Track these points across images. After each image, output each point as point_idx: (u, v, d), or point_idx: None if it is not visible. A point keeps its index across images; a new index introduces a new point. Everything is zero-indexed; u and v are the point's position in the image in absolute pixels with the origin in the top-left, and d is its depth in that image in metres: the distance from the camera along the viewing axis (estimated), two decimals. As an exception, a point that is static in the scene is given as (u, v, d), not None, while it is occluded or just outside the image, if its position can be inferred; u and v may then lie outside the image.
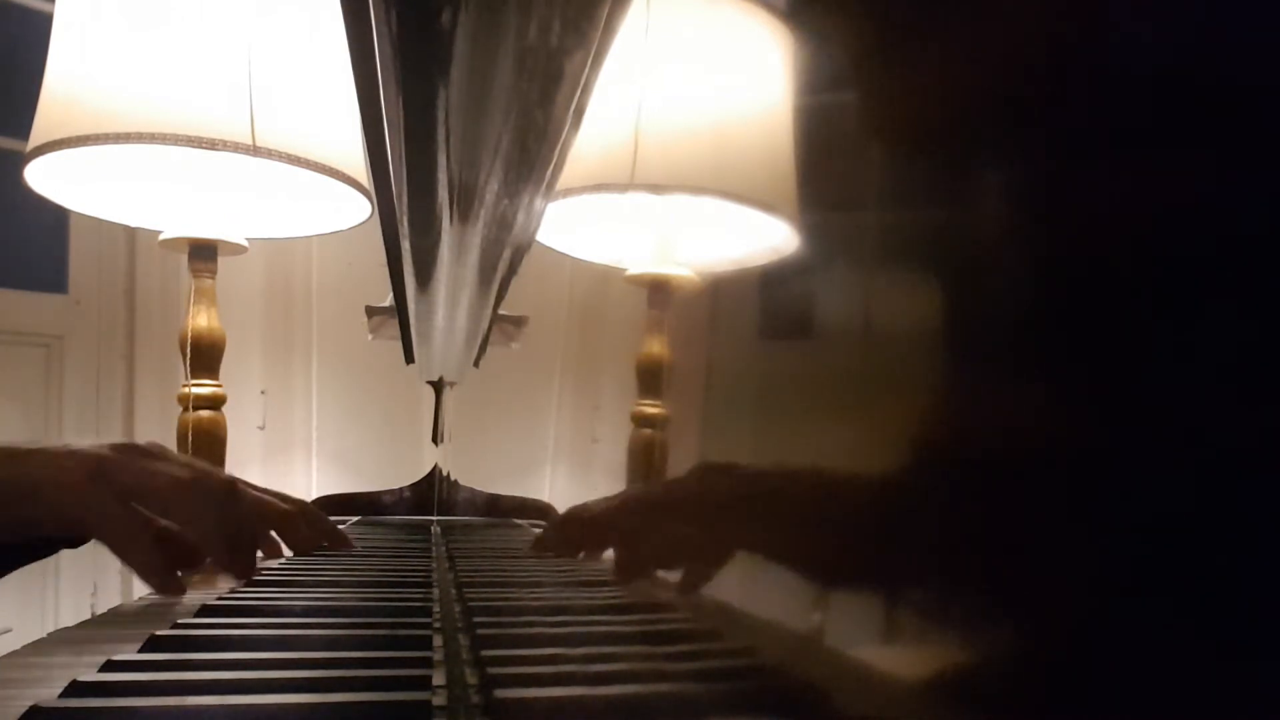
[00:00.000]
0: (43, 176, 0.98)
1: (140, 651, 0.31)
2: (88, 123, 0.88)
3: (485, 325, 0.75)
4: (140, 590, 0.48)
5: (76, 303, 1.45)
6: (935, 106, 0.15)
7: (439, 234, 0.45)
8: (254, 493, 0.61)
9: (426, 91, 0.30)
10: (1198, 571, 0.09)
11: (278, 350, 1.55)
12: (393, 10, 0.26)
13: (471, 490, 1.09)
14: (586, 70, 0.32)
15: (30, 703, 0.24)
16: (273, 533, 0.63)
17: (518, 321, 1.11)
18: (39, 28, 1.02)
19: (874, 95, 0.18)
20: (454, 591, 0.45)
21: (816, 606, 0.20)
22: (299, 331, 1.57)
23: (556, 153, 0.38)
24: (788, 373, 0.24)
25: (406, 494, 1.08)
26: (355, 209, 1.08)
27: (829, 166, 0.22)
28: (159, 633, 0.32)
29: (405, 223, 0.45)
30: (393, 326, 0.93)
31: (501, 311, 0.71)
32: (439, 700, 0.26)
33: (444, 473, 1.07)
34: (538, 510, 1.09)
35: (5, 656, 0.32)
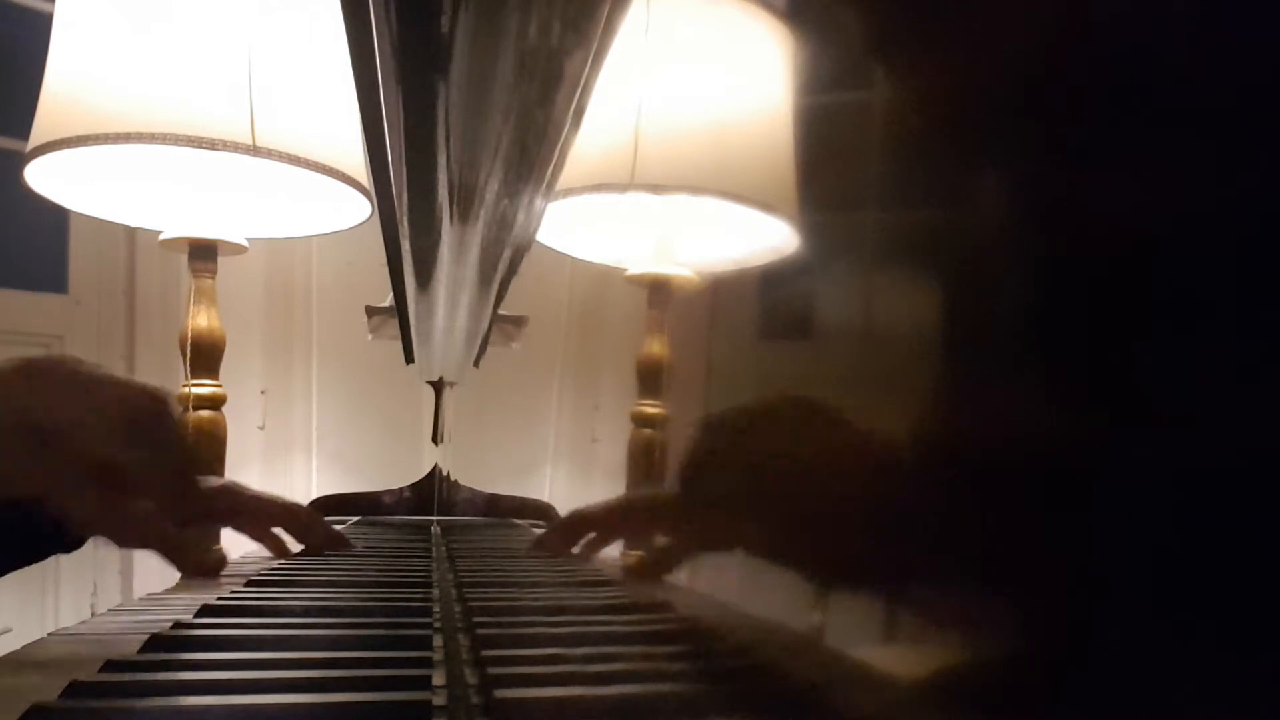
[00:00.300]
0: (43, 176, 0.98)
1: (140, 652, 0.31)
2: (88, 123, 0.88)
3: (485, 325, 0.75)
4: (142, 590, 0.47)
5: (76, 303, 1.45)
6: (934, 107, 0.15)
7: (439, 234, 0.45)
8: (246, 492, 0.59)
9: (426, 91, 0.30)
10: (1198, 571, 0.09)
11: (278, 350, 1.55)
12: (393, 10, 0.26)
13: (471, 490, 1.09)
14: (586, 70, 0.32)
15: (30, 703, 0.24)
16: (277, 530, 0.62)
17: (518, 321, 1.11)
18: (39, 28, 1.02)
19: (873, 96, 0.18)
20: (454, 591, 0.45)
21: (813, 603, 0.20)
22: (299, 331, 1.57)
23: (556, 153, 0.38)
24: (787, 372, 0.24)
25: (406, 494, 1.08)
26: (355, 209, 1.08)
27: (828, 167, 0.22)
28: (159, 633, 0.32)
29: (405, 223, 0.45)
30: (393, 326, 0.93)
31: (501, 311, 0.71)
32: (439, 700, 0.26)
33: (444, 473, 1.07)
34: (538, 510, 1.09)
35: (5, 656, 0.32)
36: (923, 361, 0.15)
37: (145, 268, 1.46)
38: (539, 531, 0.69)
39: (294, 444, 1.57)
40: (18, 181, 0.97)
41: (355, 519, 1.00)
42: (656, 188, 0.93)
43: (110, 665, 0.28)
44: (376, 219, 0.51)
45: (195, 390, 1.04)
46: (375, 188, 0.45)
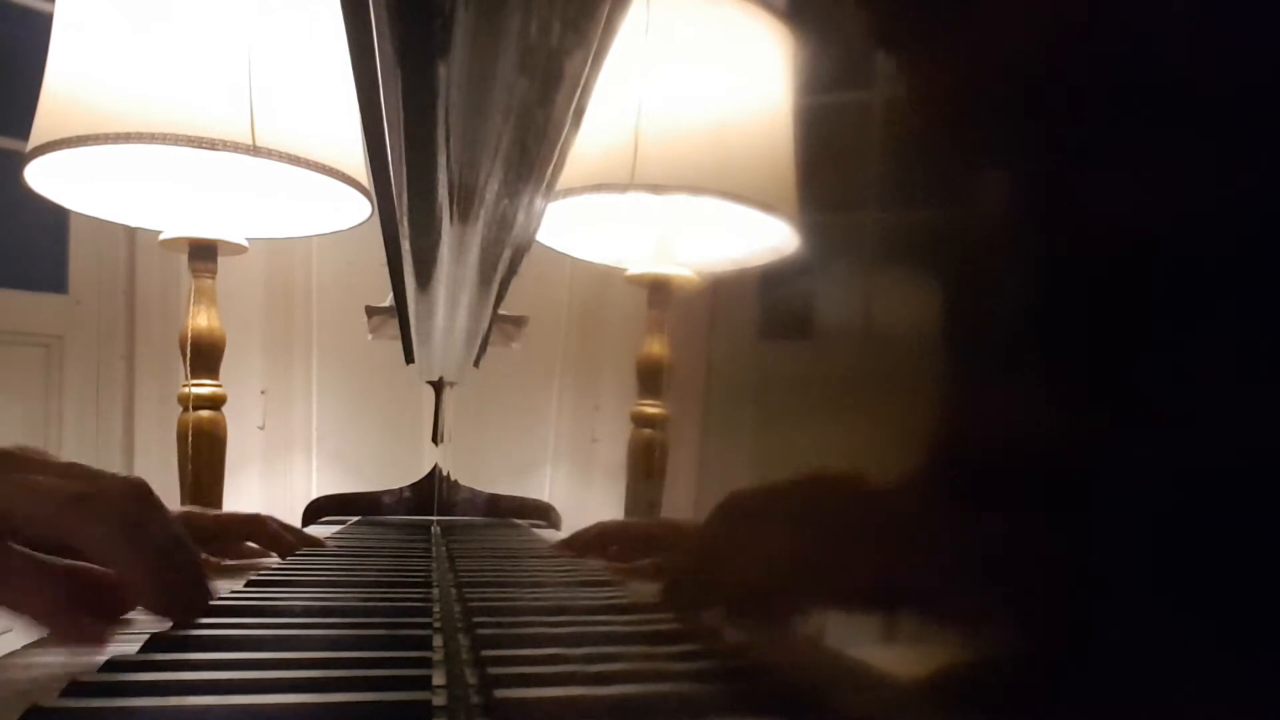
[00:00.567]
0: (43, 176, 0.98)
1: (140, 652, 0.31)
2: (88, 123, 0.88)
3: (485, 325, 0.75)
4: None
5: (76, 303, 1.45)
6: (934, 107, 0.15)
7: (439, 234, 0.45)
8: (194, 511, 0.55)
9: (426, 91, 0.30)
10: (1198, 571, 0.09)
11: (278, 350, 1.55)
12: (393, 10, 0.26)
13: (471, 490, 1.09)
14: (586, 70, 0.32)
15: (30, 703, 0.24)
16: (249, 542, 0.61)
17: (518, 321, 1.11)
18: (39, 28, 1.02)
19: (873, 96, 0.18)
20: (454, 591, 0.45)
21: (826, 608, 0.20)
22: (299, 331, 1.57)
23: (556, 153, 0.38)
24: (787, 373, 0.24)
25: (406, 494, 1.08)
26: (355, 209, 1.08)
27: (828, 166, 0.22)
28: (159, 633, 0.32)
29: (405, 223, 0.45)
30: (393, 326, 0.93)
31: (501, 311, 0.71)
32: (439, 700, 0.26)
33: (444, 473, 1.07)
34: (538, 510, 1.09)
35: (5, 656, 0.32)
36: (923, 362, 0.15)
37: (145, 268, 1.46)
38: (559, 536, 0.65)
39: (294, 444, 1.57)
40: (18, 181, 0.98)
41: (355, 519, 1.00)
42: (656, 188, 0.93)
43: (110, 665, 0.28)
44: (376, 219, 0.51)
45: (195, 390, 1.04)
46: (375, 188, 0.45)
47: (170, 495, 0.84)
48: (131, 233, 1.41)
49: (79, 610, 0.35)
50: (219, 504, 1.06)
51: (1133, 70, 0.10)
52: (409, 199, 0.41)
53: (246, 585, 0.46)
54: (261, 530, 0.61)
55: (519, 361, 1.16)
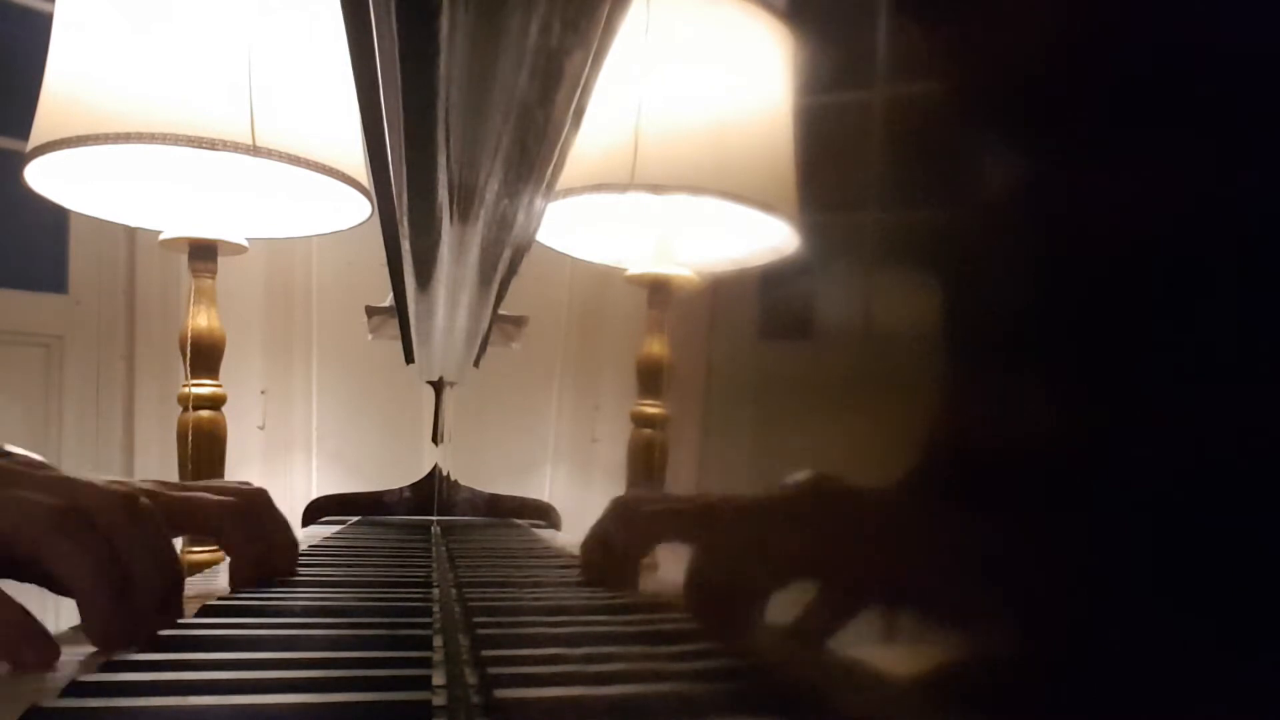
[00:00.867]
0: (43, 176, 0.98)
1: (140, 651, 0.31)
2: (88, 123, 0.88)
3: (485, 325, 0.75)
4: None
5: (76, 303, 1.45)
6: (935, 106, 0.15)
7: (439, 234, 0.45)
8: (175, 495, 0.45)
9: (426, 91, 0.30)
10: (1198, 571, 0.09)
11: (278, 350, 1.55)
12: (393, 10, 0.26)
13: (471, 490, 1.09)
14: (586, 70, 0.32)
15: (30, 703, 0.24)
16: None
17: (518, 321, 1.11)
18: (39, 28, 1.02)
19: (874, 95, 0.18)
20: (454, 591, 0.45)
21: (833, 608, 0.20)
22: (299, 331, 1.57)
23: (556, 153, 0.38)
24: (788, 373, 0.24)
25: (407, 494, 1.08)
26: (355, 209, 1.08)
27: (829, 166, 0.22)
28: (159, 632, 0.32)
29: (405, 223, 0.45)
30: (393, 326, 0.93)
31: (501, 311, 0.71)
32: (439, 700, 0.26)
33: (444, 473, 1.07)
34: (538, 510, 1.09)
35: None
36: (923, 362, 0.15)
37: (145, 268, 1.46)
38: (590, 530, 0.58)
39: (294, 444, 1.57)
40: (18, 181, 0.98)
41: (355, 519, 1.00)
42: (656, 188, 0.93)
43: (110, 665, 0.28)
44: (376, 219, 0.51)
45: (195, 390, 1.04)
46: (375, 188, 0.45)
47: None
48: (131, 233, 1.41)
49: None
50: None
51: (1133, 70, 0.10)
52: (409, 199, 0.41)
53: (246, 585, 0.46)
54: (227, 527, 0.48)
55: (519, 361, 1.16)
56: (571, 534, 0.92)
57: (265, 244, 1.30)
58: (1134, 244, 0.10)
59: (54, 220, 1.36)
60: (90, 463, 1.42)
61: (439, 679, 0.28)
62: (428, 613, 0.39)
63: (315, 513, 1.04)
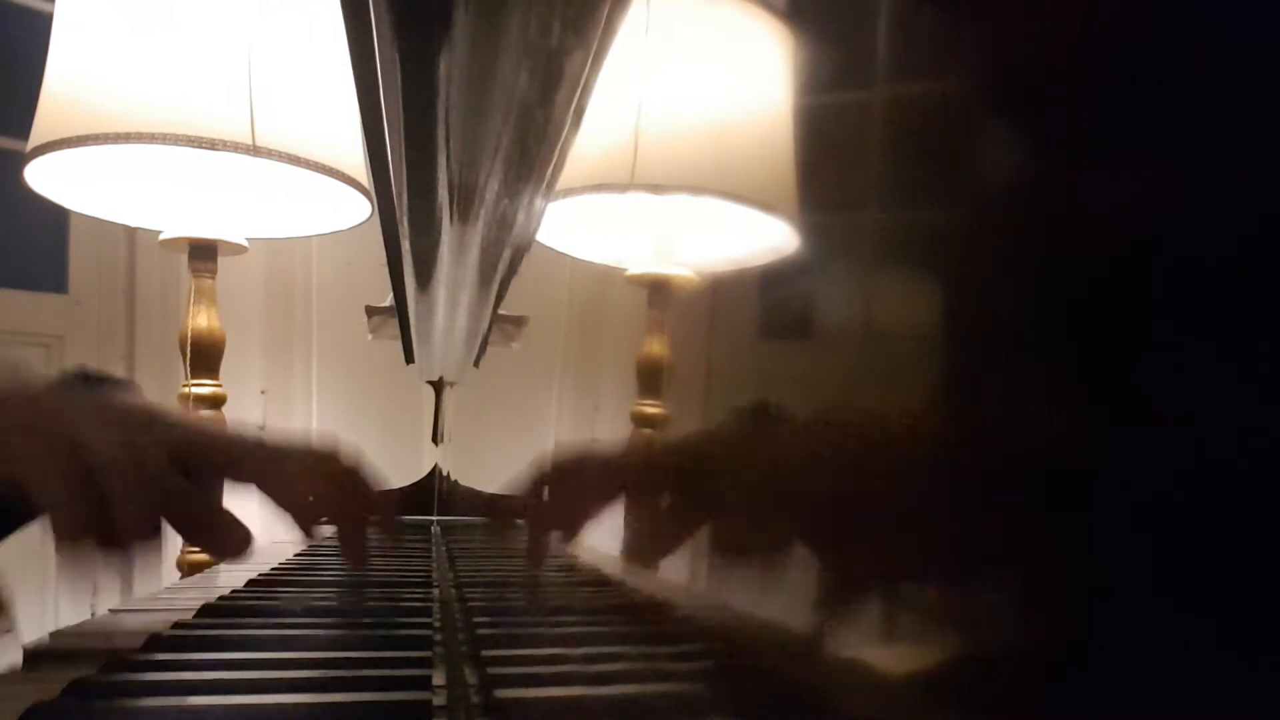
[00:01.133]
0: (43, 176, 0.98)
1: (140, 651, 0.31)
2: (88, 123, 0.88)
3: (485, 325, 0.75)
4: (141, 590, 0.38)
5: (76, 303, 1.45)
6: (934, 107, 0.15)
7: (439, 234, 0.45)
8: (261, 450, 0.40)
9: (426, 91, 0.30)
10: (1198, 571, 0.09)
11: (278, 350, 1.55)
12: (393, 10, 0.26)
13: (472, 490, 1.09)
14: (586, 70, 0.32)
15: (30, 702, 0.24)
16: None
17: (518, 321, 1.11)
18: (39, 28, 1.02)
19: (873, 95, 0.18)
20: (454, 591, 0.45)
21: (822, 603, 0.20)
22: (299, 331, 1.57)
23: (556, 153, 0.38)
24: (787, 372, 0.24)
25: (407, 494, 1.08)
26: (355, 209, 1.08)
27: (828, 166, 0.22)
28: (159, 633, 0.32)
29: (405, 223, 0.45)
30: (393, 326, 0.93)
31: (501, 311, 0.71)
32: (439, 700, 0.26)
33: (444, 473, 1.07)
34: (538, 510, 1.08)
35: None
36: (922, 361, 0.15)
37: (145, 268, 1.46)
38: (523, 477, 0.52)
39: (294, 444, 1.56)
40: (18, 181, 0.97)
41: (355, 519, 1.00)
42: (656, 188, 0.93)
43: (110, 665, 0.28)
44: (376, 219, 0.51)
45: (195, 390, 1.04)
46: (375, 188, 0.45)
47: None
48: (131, 233, 1.40)
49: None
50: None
51: (1132, 70, 0.10)
52: (409, 199, 0.41)
53: (246, 585, 0.46)
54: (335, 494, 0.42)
55: (519, 361, 1.16)
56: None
57: (265, 244, 1.30)
58: (1133, 244, 0.10)
59: (54, 220, 1.36)
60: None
61: (439, 678, 0.28)
62: (428, 613, 0.39)
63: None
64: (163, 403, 0.39)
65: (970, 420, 0.13)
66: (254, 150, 0.90)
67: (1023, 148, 0.12)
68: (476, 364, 0.94)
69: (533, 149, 0.37)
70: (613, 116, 0.90)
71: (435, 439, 1.06)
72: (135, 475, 0.34)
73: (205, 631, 0.34)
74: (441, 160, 0.36)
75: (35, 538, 0.35)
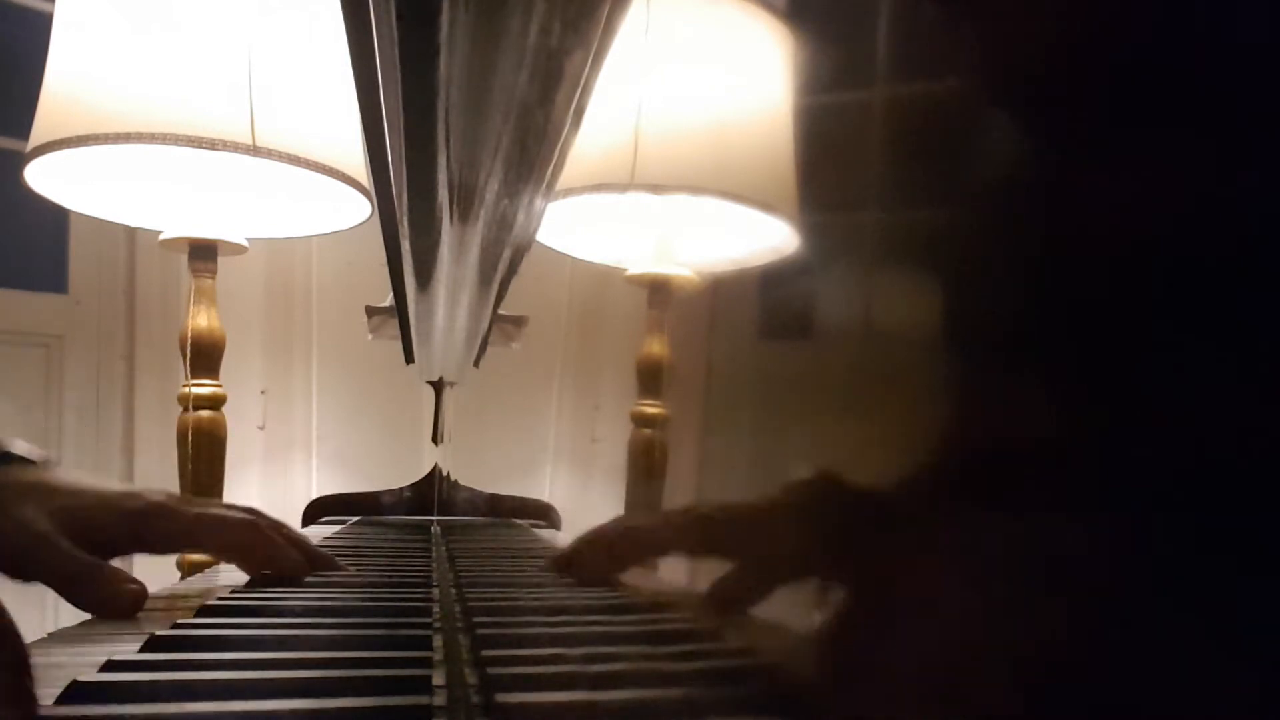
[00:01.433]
0: (43, 176, 0.98)
1: (140, 651, 0.31)
2: (88, 123, 0.88)
3: (485, 325, 0.75)
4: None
5: (76, 303, 1.45)
6: (934, 107, 0.15)
7: (439, 234, 0.45)
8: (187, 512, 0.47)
9: (426, 91, 0.30)
10: (1198, 571, 0.09)
11: (278, 350, 1.55)
12: (393, 10, 0.26)
13: (471, 490, 1.09)
14: (586, 70, 0.32)
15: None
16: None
17: (518, 321, 1.11)
18: (39, 28, 1.02)
19: (873, 95, 0.18)
20: (454, 591, 0.45)
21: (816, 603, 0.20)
22: (299, 331, 1.57)
23: (556, 153, 0.38)
24: (788, 373, 0.24)
25: (406, 494, 1.08)
26: (355, 209, 1.08)
27: (828, 166, 0.22)
28: (159, 633, 0.32)
29: (405, 223, 0.45)
30: (393, 326, 0.93)
31: (501, 311, 0.71)
32: (439, 701, 0.26)
33: (444, 473, 1.07)
34: (538, 510, 1.09)
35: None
36: (924, 362, 0.15)
37: (145, 268, 1.46)
38: (558, 551, 0.57)
39: (294, 444, 1.57)
40: (18, 181, 0.97)
41: (355, 519, 1.00)
42: (656, 188, 0.93)
43: (110, 665, 0.28)
44: (376, 219, 0.51)
45: (195, 390, 1.04)
46: (375, 188, 0.45)
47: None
48: (131, 233, 1.40)
49: None
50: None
51: (1131, 70, 0.10)
52: (409, 199, 0.41)
53: (247, 585, 0.46)
54: (251, 550, 0.49)
55: (519, 361, 1.16)
56: (572, 534, 0.92)
57: (265, 244, 1.30)
58: (1133, 243, 0.10)
59: (54, 220, 1.36)
60: (90, 463, 1.42)
61: (439, 679, 0.28)
62: (428, 613, 0.39)
63: (315, 513, 1.04)
64: (97, 476, 0.47)
65: (969, 419, 0.13)
66: (254, 150, 0.90)
67: (1023, 148, 0.12)
68: (476, 364, 0.94)
69: (533, 149, 0.37)
70: (613, 116, 0.90)
71: (435, 439, 1.06)
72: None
73: (205, 631, 0.34)
74: (441, 160, 0.36)
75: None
